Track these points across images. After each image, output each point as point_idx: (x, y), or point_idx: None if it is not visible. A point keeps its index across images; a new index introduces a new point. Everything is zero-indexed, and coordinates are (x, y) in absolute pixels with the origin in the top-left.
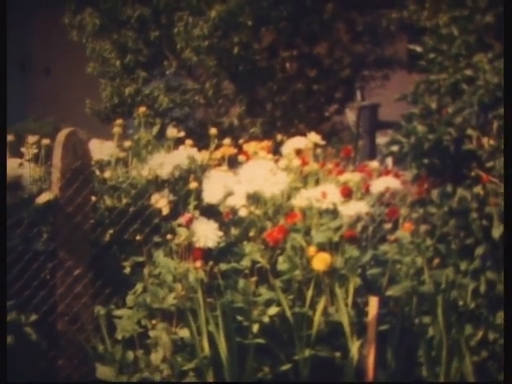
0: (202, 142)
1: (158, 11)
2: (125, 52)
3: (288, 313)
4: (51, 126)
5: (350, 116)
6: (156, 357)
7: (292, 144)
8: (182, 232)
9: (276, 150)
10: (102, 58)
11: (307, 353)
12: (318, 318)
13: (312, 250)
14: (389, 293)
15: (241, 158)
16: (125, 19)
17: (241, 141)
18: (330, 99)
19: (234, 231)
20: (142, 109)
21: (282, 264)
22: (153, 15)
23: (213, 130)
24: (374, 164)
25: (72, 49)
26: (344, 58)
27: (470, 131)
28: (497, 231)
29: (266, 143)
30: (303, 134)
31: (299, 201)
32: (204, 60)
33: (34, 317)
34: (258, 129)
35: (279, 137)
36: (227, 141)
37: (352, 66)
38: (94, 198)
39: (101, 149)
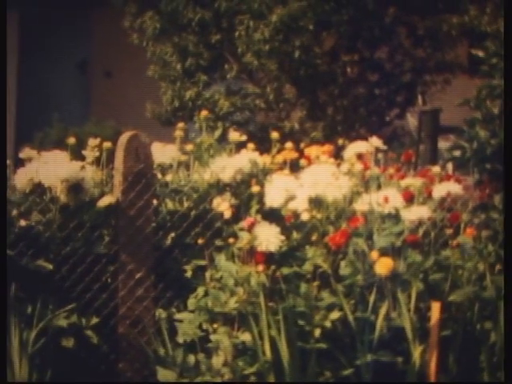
0: (262, 146)
1: (218, 15)
2: (185, 55)
3: (350, 317)
4: (112, 128)
5: (411, 120)
6: (217, 361)
7: (354, 148)
8: (244, 236)
9: (337, 154)
10: (163, 61)
11: (369, 357)
12: (380, 322)
13: (374, 254)
14: (451, 298)
15: (302, 162)
16: (186, 22)
17: (302, 145)
18: (391, 103)
19: (295, 235)
20: (204, 112)
21: (345, 268)
22: (214, 19)
23: (274, 134)
24: (436, 169)
25: (132, 52)
26: (405, 62)
27: None
28: None
29: (328, 147)
30: (364, 139)
31: (361, 205)
32: (265, 64)
33: (95, 320)
34: (319, 133)
35: (340, 141)
36: (289, 145)
37: (413, 70)
38: (155, 202)
39: (163, 152)
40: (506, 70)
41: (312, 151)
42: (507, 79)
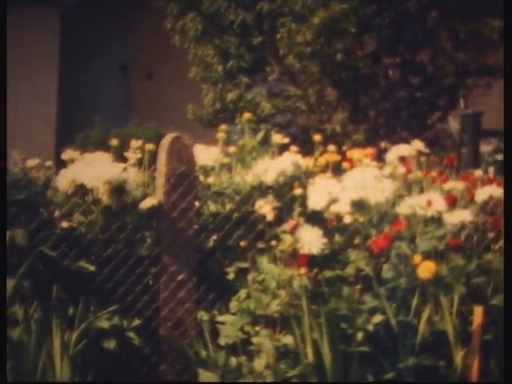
0: (304, 149)
1: (260, 17)
2: (227, 57)
3: (392, 321)
4: (153, 130)
5: (453, 124)
6: (259, 363)
7: (396, 151)
8: (287, 238)
9: (379, 157)
10: (205, 63)
11: (411, 361)
12: (422, 326)
13: (417, 258)
14: (493, 302)
15: (345, 164)
16: (227, 25)
17: (344, 147)
18: (433, 107)
19: (338, 238)
20: (247, 115)
21: (387, 272)
22: (255, 21)
23: (317, 137)
24: (478, 172)
25: (174, 54)
26: (447, 65)
27: None
28: None
29: (370, 150)
30: (406, 142)
31: (404, 208)
32: (307, 66)
33: (137, 321)
34: (361, 136)
35: (383, 144)
36: (331, 147)
37: (455, 73)
38: (197, 204)
39: (205, 154)
40: (505, 70)
41: (354, 154)
42: (507, 79)
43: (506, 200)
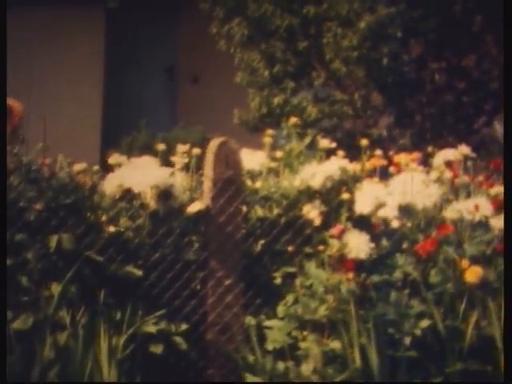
0: (350, 153)
1: (306, 21)
2: (273, 62)
3: (440, 326)
4: (199, 134)
5: (499, 128)
6: (306, 368)
7: (443, 156)
8: (334, 243)
9: (425, 162)
10: (251, 67)
11: (459, 366)
12: (470, 331)
13: (465, 262)
14: None
15: (391, 169)
16: (273, 29)
17: (390, 152)
18: (479, 111)
19: (385, 243)
20: (294, 119)
21: (434, 277)
22: (301, 25)
23: (364, 141)
24: None
25: (220, 58)
26: (492, 70)
27: None
28: None
29: (416, 155)
30: (452, 146)
31: (451, 213)
32: (353, 71)
33: (184, 326)
34: (407, 140)
35: (430, 148)
36: (378, 152)
37: (501, 78)
38: (245, 208)
39: (252, 159)
40: (506, 70)
41: (401, 159)
42: (507, 79)
43: (506, 200)
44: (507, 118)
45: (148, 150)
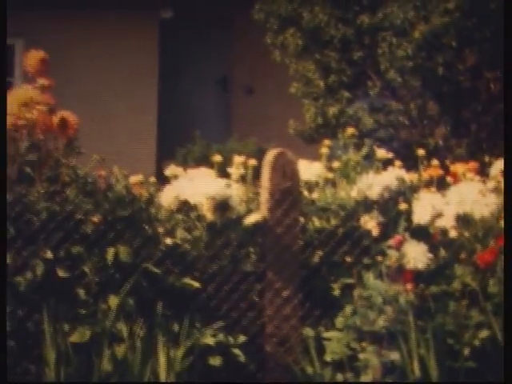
0: (406, 163)
1: (361, 31)
2: (328, 72)
3: (499, 336)
4: (254, 145)
5: None
6: (365, 379)
7: (499, 165)
8: (392, 254)
9: (482, 172)
10: (306, 78)
11: None
12: None
13: None
14: None
15: (448, 179)
16: (328, 39)
17: (447, 162)
18: None
19: (443, 253)
20: (351, 130)
21: (493, 287)
22: (356, 35)
23: (420, 151)
24: None
25: (274, 68)
26: None
27: None
28: None
29: (473, 164)
30: None
31: None
32: (408, 81)
33: (242, 338)
34: (464, 150)
35: (486, 158)
36: (435, 162)
37: None
38: (302, 219)
39: (309, 169)
40: (505, 69)
41: (458, 168)
42: (507, 79)
43: (506, 199)
44: (507, 119)
45: (203, 161)
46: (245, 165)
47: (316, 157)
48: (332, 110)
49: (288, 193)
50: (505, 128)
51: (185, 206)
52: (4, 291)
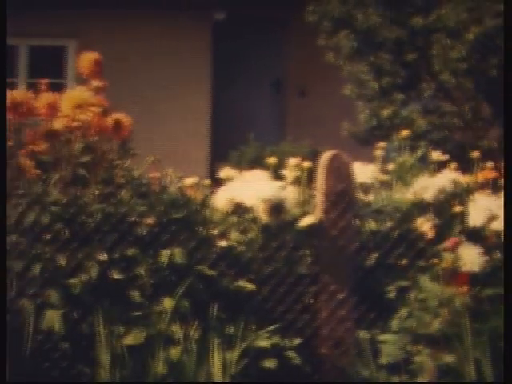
0: (460, 165)
1: (414, 33)
2: (382, 74)
3: None
4: (308, 147)
5: None
6: (421, 382)
7: None
8: (448, 256)
9: None
10: (359, 80)
11: None
12: None
13: None
14: None
15: (503, 181)
16: (381, 41)
17: (501, 164)
18: None
19: (498, 255)
20: (405, 132)
21: None
22: (409, 37)
23: (475, 153)
24: None
25: (328, 70)
26: None
27: None
28: None
29: None
30: None
31: None
32: (462, 82)
33: (297, 341)
34: None
35: None
36: (490, 164)
37: None
38: (357, 222)
39: (363, 172)
40: (505, 69)
41: None
42: (507, 79)
43: (506, 199)
44: (507, 118)
45: (257, 163)
46: (299, 167)
47: (369, 159)
48: (386, 112)
49: (343, 195)
50: (505, 128)
51: (239, 208)
52: (4, 291)
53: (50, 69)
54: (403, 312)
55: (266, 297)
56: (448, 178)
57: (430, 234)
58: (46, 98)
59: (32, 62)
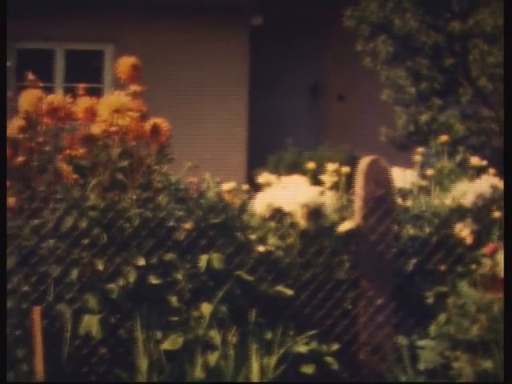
0: (499, 170)
1: (452, 38)
2: (419, 79)
3: None
4: (346, 152)
5: None
6: None
7: None
8: (487, 262)
9: None
10: (397, 85)
11: None
12: None
13: None
14: None
15: None
16: (419, 46)
17: None
18: None
19: None
20: (444, 137)
21: None
22: (447, 42)
23: None
24: None
25: (366, 75)
26: None
27: None
28: None
29: None
30: None
31: None
32: (499, 88)
33: (335, 346)
34: None
35: None
36: None
37: None
38: (396, 227)
39: (402, 177)
40: (506, 69)
41: None
42: (507, 79)
43: (506, 199)
44: (507, 118)
45: (294, 168)
46: (337, 172)
47: (406, 164)
48: (424, 117)
49: (382, 200)
50: (505, 128)
51: (278, 214)
52: (4, 292)
53: (87, 73)
54: (442, 318)
55: (304, 302)
56: (487, 183)
57: (469, 240)
58: (84, 102)
59: (68, 66)
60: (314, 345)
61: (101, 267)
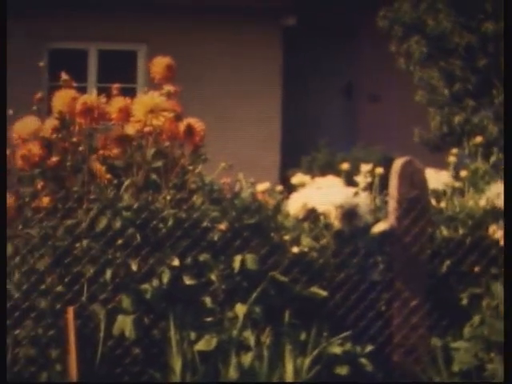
0: None
1: (485, 39)
2: (453, 80)
3: None
4: (379, 153)
5: None
6: None
7: None
8: None
9: None
10: (431, 86)
11: None
12: None
13: None
14: None
15: None
16: (452, 47)
17: None
18: None
19: None
20: (479, 138)
21: None
22: (480, 43)
23: None
24: None
25: (399, 76)
26: None
27: None
28: None
29: None
30: None
31: None
32: None
33: (369, 348)
34: None
35: None
36: None
37: None
38: (430, 228)
39: (436, 178)
40: (506, 69)
41: None
42: (507, 79)
43: (506, 199)
44: (507, 118)
45: (328, 169)
46: (371, 173)
47: (440, 165)
48: (457, 119)
49: (416, 201)
50: (505, 128)
51: (312, 214)
52: (4, 291)
53: (120, 73)
54: (476, 319)
55: (338, 303)
56: None
57: (503, 241)
58: (118, 102)
59: (102, 66)
60: (348, 346)
61: (135, 267)
